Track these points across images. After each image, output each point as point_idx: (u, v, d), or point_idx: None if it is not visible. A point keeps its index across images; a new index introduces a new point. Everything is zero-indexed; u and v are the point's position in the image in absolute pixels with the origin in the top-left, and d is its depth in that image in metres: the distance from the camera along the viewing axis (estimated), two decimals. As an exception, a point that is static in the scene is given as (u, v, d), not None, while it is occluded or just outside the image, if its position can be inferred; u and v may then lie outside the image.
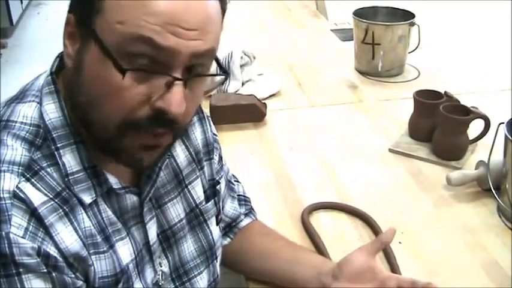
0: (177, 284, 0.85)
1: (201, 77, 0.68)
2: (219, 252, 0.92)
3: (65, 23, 0.68)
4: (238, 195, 1.03)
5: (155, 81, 0.64)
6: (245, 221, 1.03)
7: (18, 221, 0.63)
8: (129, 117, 0.65)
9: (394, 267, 1.01)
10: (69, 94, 0.69)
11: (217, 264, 0.91)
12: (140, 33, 0.61)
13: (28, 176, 0.66)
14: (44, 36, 4.01)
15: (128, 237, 0.76)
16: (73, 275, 0.68)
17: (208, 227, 0.89)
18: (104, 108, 0.65)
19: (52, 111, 0.70)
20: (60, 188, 0.68)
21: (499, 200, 1.15)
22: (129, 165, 0.73)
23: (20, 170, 0.66)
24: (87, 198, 0.70)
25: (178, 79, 0.64)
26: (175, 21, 0.62)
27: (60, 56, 0.74)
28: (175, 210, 0.84)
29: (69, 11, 0.67)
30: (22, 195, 0.65)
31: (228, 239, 1.01)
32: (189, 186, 0.87)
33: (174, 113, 0.64)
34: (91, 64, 0.65)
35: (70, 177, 0.69)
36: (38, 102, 0.71)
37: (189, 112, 0.69)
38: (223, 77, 0.72)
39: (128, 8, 0.62)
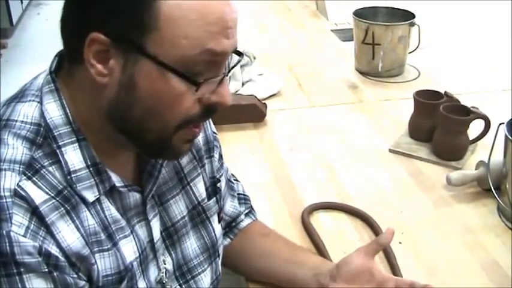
0: (181, 281, 0.85)
1: (234, 67, 0.76)
2: (220, 250, 0.92)
3: (84, 41, 0.65)
4: (238, 194, 1.04)
5: (211, 81, 0.68)
6: (245, 222, 1.03)
7: (19, 220, 0.63)
8: (186, 118, 0.69)
9: (394, 267, 1.01)
10: (108, 106, 0.69)
11: (219, 262, 0.92)
12: (205, 47, 0.65)
13: (29, 174, 0.66)
14: (44, 36, 4.00)
15: (131, 235, 0.76)
16: (75, 275, 0.68)
17: (211, 224, 0.89)
18: (164, 116, 0.68)
19: (53, 110, 0.70)
20: (61, 187, 0.68)
21: (499, 200, 1.15)
22: (170, 158, 0.79)
23: (21, 169, 0.66)
24: (90, 196, 0.71)
25: (226, 74, 0.69)
26: (226, 24, 0.66)
27: (60, 55, 0.74)
28: (178, 208, 0.84)
29: (90, 29, 0.64)
30: (23, 194, 0.65)
31: (228, 240, 1.01)
32: (190, 184, 0.87)
33: (229, 104, 0.70)
34: (146, 80, 0.66)
35: (73, 175, 0.69)
36: (38, 101, 0.71)
37: None
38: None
39: (186, 22, 0.64)
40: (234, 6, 0.68)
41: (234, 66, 0.76)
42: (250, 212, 1.05)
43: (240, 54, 0.77)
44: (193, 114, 0.69)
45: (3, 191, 0.64)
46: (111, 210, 0.73)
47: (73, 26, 0.68)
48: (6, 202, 0.63)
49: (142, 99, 0.67)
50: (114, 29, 0.64)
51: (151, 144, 0.72)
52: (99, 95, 0.68)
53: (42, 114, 0.70)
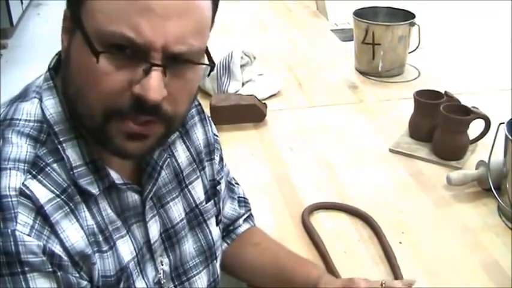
0: (176, 283, 0.85)
1: (180, 64, 0.66)
2: (218, 253, 0.92)
3: (62, 19, 0.69)
4: (239, 197, 1.03)
5: (134, 68, 0.64)
6: (243, 227, 1.03)
7: (24, 219, 0.64)
8: (111, 105, 0.65)
9: (394, 267, 1.01)
10: (62, 88, 0.71)
11: (217, 264, 0.91)
12: (117, 30, 0.61)
13: (34, 172, 0.66)
14: (44, 36, 4.01)
15: (127, 235, 0.76)
16: (77, 275, 0.68)
17: (208, 227, 0.89)
18: (89, 98, 0.65)
19: (52, 106, 0.71)
20: (66, 184, 0.68)
21: (499, 200, 1.15)
22: (115, 154, 0.71)
23: (26, 167, 0.66)
24: (94, 190, 0.71)
25: (155, 65, 0.63)
26: (157, 9, 0.61)
27: (59, 53, 0.74)
28: (177, 210, 0.84)
29: (66, 7, 0.69)
30: (28, 193, 0.65)
31: (225, 244, 1.01)
32: (189, 186, 0.87)
33: (153, 99, 0.63)
34: (76, 53, 0.66)
35: (74, 171, 0.69)
36: (38, 99, 0.72)
37: (180, 101, 0.69)
38: (208, 67, 0.71)
39: (111, 1, 0.62)
40: None
41: (173, 63, 0.65)
42: (249, 217, 1.05)
43: (209, 58, 0.70)
44: (122, 104, 0.65)
45: (9, 190, 0.64)
46: (107, 210, 0.73)
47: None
48: (12, 201, 0.63)
49: (72, 75, 0.67)
50: (70, 3, 0.67)
51: (90, 133, 0.69)
52: None
53: (43, 111, 0.70)
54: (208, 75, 0.77)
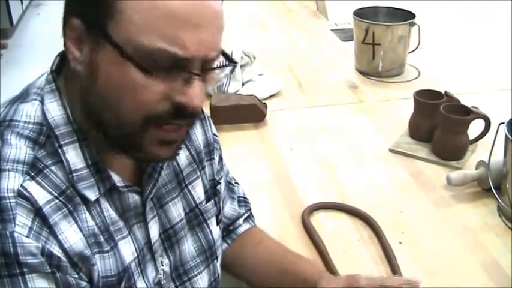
0: (177, 283, 0.85)
1: (214, 70, 0.69)
2: (219, 252, 0.92)
3: (66, 28, 0.67)
4: (238, 196, 1.03)
5: (174, 78, 0.65)
6: (243, 227, 1.03)
7: (22, 220, 0.63)
8: (150, 114, 0.66)
9: (394, 267, 1.01)
10: (82, 95, 0.69)
11: (218, 263, 0.91)
12: (158, 43, 0.62)
13: (32, 174, 0.66)
14: (44, 36, 4.01)
15: (129, 236, 0.76)
16: (76, 276, 0.68)
17: (208, 227, 0.89)
18: (123, 108, 0.66)
19: (54, 109, 0.70)
20: (64, 186, 0.68)
21: (499, 200, 1.15)
22: (144, 160, 0.75)
23: (24, 169, 0.66)
24: (92, 196, 0.71)
25: (197, 74, 0.66)
26: (196, 23, 0.63)
27: (61, 55, 0.74)
28: (177, 210, 0.84)
29: (71, 15, 0.66)
30: (27, 194, 0.65)
31: (225, 245, 1.00)
32: (189, 186, 0.87)
33: (196, 107, 0.66)
34: (107, 66, 0.65)
35: (74, 174, 0.69)
36: (39, 101, 0.71)
37: (202, 103, 0.71)
38: (230, 67, 0.74)
39: (144, 13, 0.62)
40: (210, 4, 0.65)
41: (212, 69, 0.69)
42: (249, 217, 1.05)
43: (229, 59, 0.74)
44: (160, 112, 0.66)
45: (7, 192, 0.64)
46: (109, 211, 0.73)
47: (63, 19, 0.69)
48: (10, 203, 0.63)
49: (101, 85, 0.66)
50: (86, 14, 0.65)
51: (121, 144, 0.70)
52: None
53: (44, 114, 0.70)
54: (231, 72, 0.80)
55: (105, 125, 0.68)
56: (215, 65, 0.69)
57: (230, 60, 0.74)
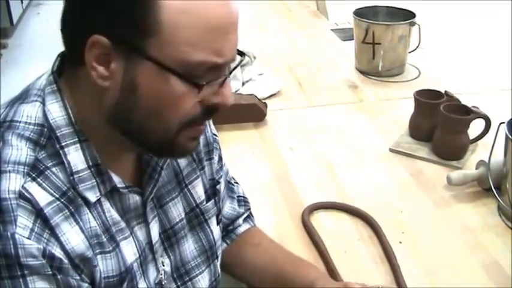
0: (179, 283, 0.85)
1: (236, 67, 0.75)
2: (219, 252, 0.92)
3: (85, 44, 0.65)
4: (238, 196, 1.03)
5: (214, 82, 0.69)
6: (243, 227, 1.03)
7: (23, 222, 0.63)
8: (186, 119, 0.69)
9: (394, 267, 1.01)
10: (115, 111, 0.69)
11: (218, 263, 0.91)
12: (206, 53, 0.65)
13: (34, 175, 0.66)
14: (44, 36, 4.00)
15: (131, 237, 0.76)
16: (78, 277, 0.68)
17: (209, 226, 0.89)
18: (165, 118, 0.69)
19: (55, 111, 0.70)
20: (65, 188, 0.68)
21: (499, 199, 1.15)
22: (177, 156, 0.81)
23: (25, 170, 0.66)
24: (92, 197, 0.71)
25: (227, 76, 0.70)
26: (227, 30, 0.67)
27: (62, 56, 0.74)
28: (177, 210, 0.84)
29: (92, 32, 0.64)
30: (28, 196, 0.65)
31: (224, 245, 1.00)
32: (189, 186, 0.87)
33: (229, 104, 0.71)
34: (146, 80, 0.66)
35: (75, 176, 0.69)
36: (41, 102, 0.71)
37: None
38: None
39: (187, 27, 0.63)
40: (235, 8, 0.68)
41: (236, 67, 0.75)
42: (249, 216, 1.05)
43: (242, 54, 0.77)
44: (195, 115, 0.69)
45: (8, 193, 0.64)
46: (111, 212, 0.73)
47: (74, 27, 0.68)
48: (11, 204, 0.63)
49: (143, 101, 0.67)
50: (115, 32, 0.64)
51: (155, 145, 0.72)
52: (100, 97, 0.68)
53: (45, 115, 0.70)
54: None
55: (149, 135, 0.70)
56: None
57: (241, 55, 0.77)
